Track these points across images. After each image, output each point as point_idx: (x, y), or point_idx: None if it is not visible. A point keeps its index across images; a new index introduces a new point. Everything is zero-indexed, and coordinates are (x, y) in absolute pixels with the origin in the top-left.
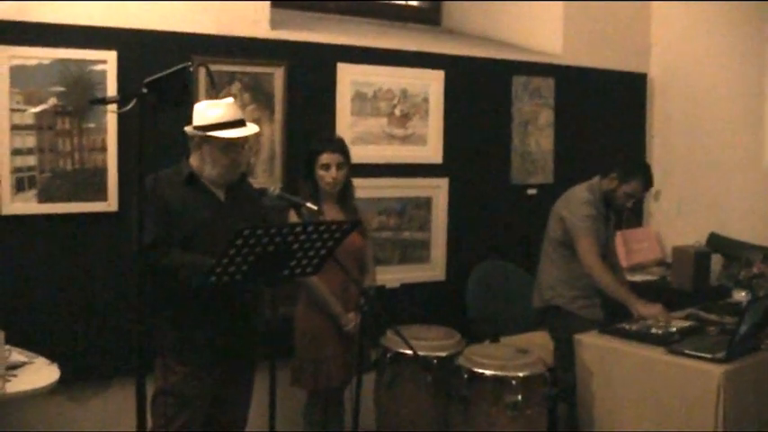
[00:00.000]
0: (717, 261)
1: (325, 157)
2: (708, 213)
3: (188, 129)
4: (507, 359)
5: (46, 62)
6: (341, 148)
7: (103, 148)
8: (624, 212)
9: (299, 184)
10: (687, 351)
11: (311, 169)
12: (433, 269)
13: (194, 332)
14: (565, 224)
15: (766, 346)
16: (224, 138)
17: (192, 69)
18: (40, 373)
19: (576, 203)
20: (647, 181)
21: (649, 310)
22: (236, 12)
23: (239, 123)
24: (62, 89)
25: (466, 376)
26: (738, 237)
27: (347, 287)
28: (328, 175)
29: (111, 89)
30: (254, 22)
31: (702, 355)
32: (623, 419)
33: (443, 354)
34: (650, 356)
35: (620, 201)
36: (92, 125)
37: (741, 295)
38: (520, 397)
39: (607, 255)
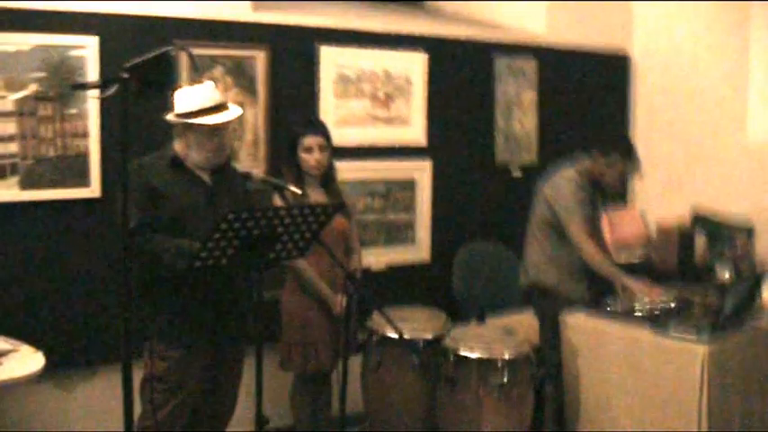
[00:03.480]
0: (701, 239)
1: (307, 141)
2: (692, 192)
3: (170, 117)
4: (493, 341)
5: (26, 48)
6: (323, 130)
7: (86, 134)
8: (610, 193)
9: (283, 168)
10: (672, 331)
11: (294, 153)
12: (419, 251)
13: (182, 317)
14: (552, 206)
15: (750, 325)
16: (208, 123)
17: (173, 53)
18: (25, 361)
19: (565, 186)
20: (633, 161)
21: (639, 287)
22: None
23: (221, 107)
24: (43, 75)
25: (452, 358)
26: (722, 215)
27: (333, 270)
28: (311, 158)
29: (93, 74)
30: (236, 5)
31: (687, 334)
32: (609, 399)
33: (429, 336)
34: (635, 336)
35: (608, 182)
36: (74, 111)
37: (725, 274)
38: (506, 378)
39: (594, 235)
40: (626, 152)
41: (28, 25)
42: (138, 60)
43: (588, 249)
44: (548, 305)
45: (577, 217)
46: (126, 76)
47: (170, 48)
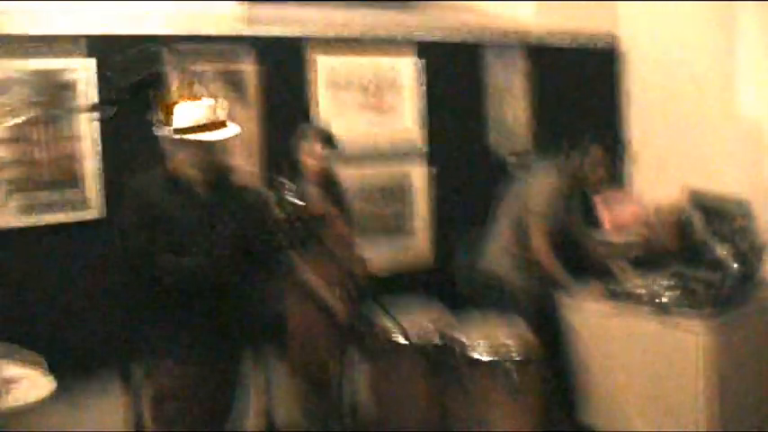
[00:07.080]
0: (698, 217)
1: (317, 148)
2: (687, 171)
3: (167, 131)
4: (502, 339)
5: (15, 75)
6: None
7: (81, 156)
8: (599, 186)
9: (283, 167)
10: (674, 308)
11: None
12: (419, 247)
13: (188, 333)
14: (524, 203)
15: (754, 298)
16: (204, 140)
17: (154, 50)
18: (36, 386)
19: (540, 188)
20: (606, 142)
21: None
22: (206, 8)
23: (220, 125)
24: (37, 99)
25: (462, 361)
26: (719, 192)
27: (338, 276)
28: (316, 165)
29: (88, 96)
30: (226, 15)
31: (688, 311)
32: (614, 379)
33: (437, 339)
34: (637, 316)
35: (589, 174)
36: (68, 134)
37: (723, 250)
38: (516, 377)
39: (572, 231)
40: (595, 138)
41: (18, 51)
42: (135, 79)
43: (545, 254)
44: (492, 295)
45: (544, 227)
46: (127, 97)
47: (151, 44)
